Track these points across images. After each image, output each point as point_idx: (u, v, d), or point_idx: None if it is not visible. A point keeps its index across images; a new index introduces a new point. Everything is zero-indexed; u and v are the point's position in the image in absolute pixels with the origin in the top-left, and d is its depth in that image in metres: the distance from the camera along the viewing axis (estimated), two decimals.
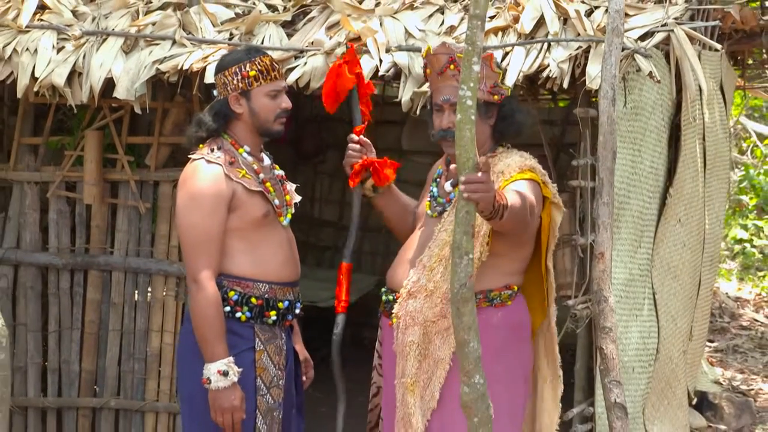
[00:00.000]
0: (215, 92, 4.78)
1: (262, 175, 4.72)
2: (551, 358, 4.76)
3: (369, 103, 5.04)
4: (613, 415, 4.83)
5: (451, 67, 4.57)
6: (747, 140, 15.21)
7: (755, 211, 14.89)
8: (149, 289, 6.85)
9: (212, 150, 4.67)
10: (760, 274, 13.11)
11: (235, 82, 4.68)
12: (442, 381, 4.52)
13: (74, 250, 6.88)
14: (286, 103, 4.77)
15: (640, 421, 6.32)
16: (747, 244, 13.80)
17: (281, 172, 4.93)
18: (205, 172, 4.59)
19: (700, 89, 6.38)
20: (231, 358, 4.55)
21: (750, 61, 8.55)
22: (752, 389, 8.96)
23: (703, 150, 7.13)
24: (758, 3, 7.08)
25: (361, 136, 4.96)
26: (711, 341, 9.95)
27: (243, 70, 4.66)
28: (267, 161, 4.84)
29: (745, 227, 14.22)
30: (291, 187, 4.95)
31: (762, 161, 15.26)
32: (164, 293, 6.77)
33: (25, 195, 6.89)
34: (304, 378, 5.07)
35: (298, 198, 4.98)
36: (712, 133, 7.27)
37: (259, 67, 4.67)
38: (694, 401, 7.80)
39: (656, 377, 6.62)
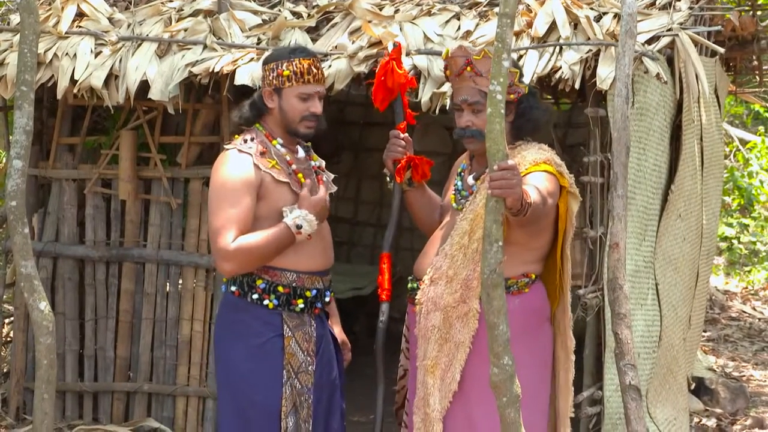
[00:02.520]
0: (259, 83, 4.67)
1: (294, 166, 4.61)
2: (564, 343, 4.67)
3: (406, 101, 4.92)
4: (628, 397, 4.75)
5: (468, 69, 4.48)
6: (730, 145, 15.16)
7: (738, 211, 14.88)
8: (180, 280, 6.78)
9: (245, 141, 4.56)
10: (746, 269, 13.05)
11: (270, 78, 4.56)
12: (463, 363, 4.42)
13: (109, 244, 6.83)
14: (314, 107, 4.60)
15: (643, 404, 6.23)
16: (734, 241, 13.75)
17: (317, 163, 4.81)
18: (235, 161, 4.48)
19: (700, 91, 6.33)
20: (288, 220, 4.45)
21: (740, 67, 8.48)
22: (743, 376, 8.88)
23: (701, 150, 7.06)
24: (750, 12, 6.98)
25: (406, 134, 4.84)
26: (704, 331, 9.88)
27: (279, 68, 4.54)
28: (301, 153, 4.72)
29: (730, 225, 14.17)
30: (328, 177, 4.84)
31: (744, 165, 15.26)
32: (194, 284, 6.71)
33: (63, 191, 6.84)
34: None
35: (334, 188, 4.85)
36: (708, 134, 7.20)
37: (295, 68, 4.54)
38: (692, 386, 7.73)
39: (659, 363, 6.55)
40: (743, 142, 15.34)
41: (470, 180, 4.63)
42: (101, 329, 6.85)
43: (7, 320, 7.83)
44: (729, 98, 15.76)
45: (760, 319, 10.96)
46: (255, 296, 4.53)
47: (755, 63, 8.48)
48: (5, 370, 7.24)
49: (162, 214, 6.74)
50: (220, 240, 4.37)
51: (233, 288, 4.59)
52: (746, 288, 12.33)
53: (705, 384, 7.82)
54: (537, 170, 4.41)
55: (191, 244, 6.69)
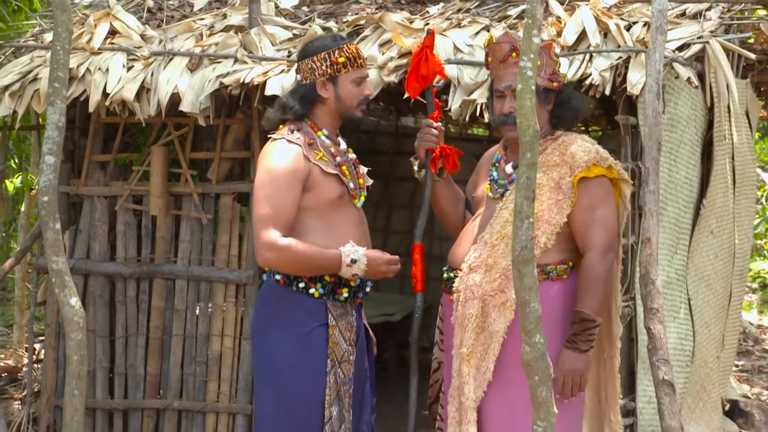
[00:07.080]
0: (299, 77, 4.67)
1: (338, 159, 4.63)
2: (610, 331, 4.65)
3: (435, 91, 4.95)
4: (662, 392, 4.69)
5: (513, 55, 4.51)
6: (761, 189, 15.16)
7: None
8: (210, 296, 6.75)
9: (292, 131, 4.57)
10: None
11: (323, 67, 4.59)
12: (496, 353, 4.41)
13: (140, 260, 6.82)
14: (368, 90, 4.68)
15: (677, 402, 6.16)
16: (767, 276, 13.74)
17: (354, 156, 4.83)
18: (285, 151, 4.50)
19: (730, 110, 6.31)
20: (347, 249, 4.44)
21: None
22: None
23: (732, 168, 7.03)
24: None
25: (439, 123, 4.85)
26: (737, 362, 9.78)
27: (332, 56, 4.58)
28: (343, 145, 4.74)
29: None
30: (363, 170, 4.86)
31: None
32: (224, 300, 6.67)
33: (95, 208, 6.84)
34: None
35: (370, 181, 4.88)
36: (740, 153, 7.17)
37: (347, 54, 4.58)
38: (727, 407, 7.63)
39: (692, 380, 6.48)
40: None
41: (509, 169, 4.65)
42: (131, 346, 6.81)
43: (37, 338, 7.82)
44: (759, 144, 15.84)
45: None
46: (301, 285, 4.54)
47: None
48: (36, 389, 7.21)
49: (193, 229, 6.73)
50: (265, 230, 4.40)
51: (278, 277, 4.59)
52: None
53: (740, 406, 7.72)
54: (589, 176, 4.49)
55: (222, 260, 6.67)
